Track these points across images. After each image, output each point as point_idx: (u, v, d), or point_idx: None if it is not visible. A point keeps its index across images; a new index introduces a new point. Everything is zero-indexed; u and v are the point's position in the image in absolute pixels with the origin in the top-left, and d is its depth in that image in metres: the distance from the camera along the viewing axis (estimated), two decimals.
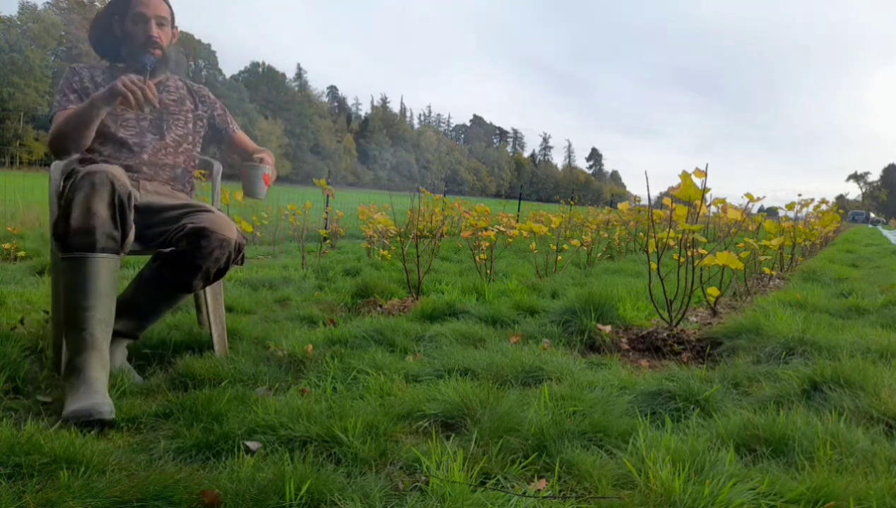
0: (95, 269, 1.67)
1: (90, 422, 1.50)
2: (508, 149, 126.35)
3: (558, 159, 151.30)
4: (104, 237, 1.68)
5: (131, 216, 1.76)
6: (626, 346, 2.61)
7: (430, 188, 9.65)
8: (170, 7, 2.19)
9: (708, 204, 3.42)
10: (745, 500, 1.20)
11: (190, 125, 2.25)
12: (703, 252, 2.95)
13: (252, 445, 1.43)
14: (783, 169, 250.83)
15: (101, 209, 1.68)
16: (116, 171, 1.74)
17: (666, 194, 2.98)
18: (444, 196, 11.08)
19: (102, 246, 1.68)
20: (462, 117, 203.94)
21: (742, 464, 1.39)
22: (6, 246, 4.66)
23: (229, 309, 2.92)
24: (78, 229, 1.66)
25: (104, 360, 1.66)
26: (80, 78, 2.12)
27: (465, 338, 2.53)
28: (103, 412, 1.50)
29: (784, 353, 2.29)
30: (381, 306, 3.30)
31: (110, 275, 1.70)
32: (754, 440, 1.50)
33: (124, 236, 1.74)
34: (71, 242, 1.67)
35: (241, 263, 1.97)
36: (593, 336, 2.62)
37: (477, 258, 4.44)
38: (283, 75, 79.69)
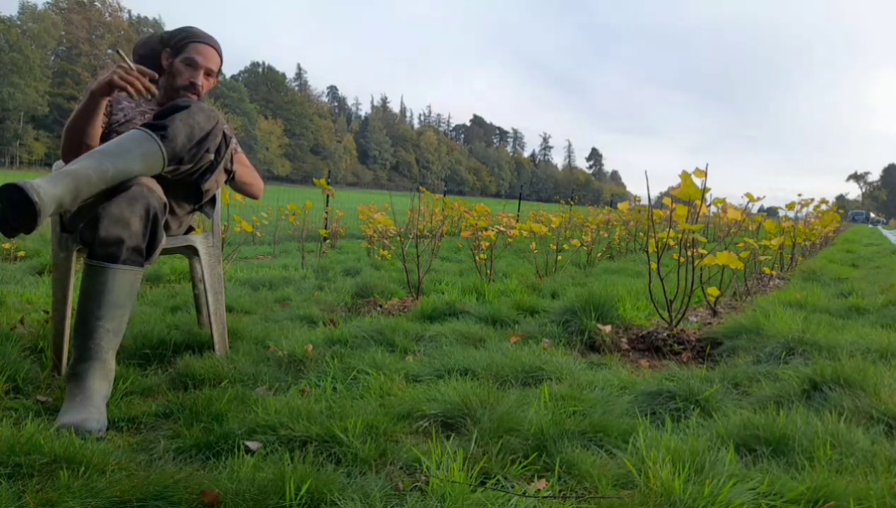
0: (114, 280, 1.65)
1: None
2: (508, 149, 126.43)
3: (558, 159, 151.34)
4: (130, 250, 1.67)
5: (162, 229, 1.75)
6: (626, 346, 2.61)
7: (430, 188, 9.65)
8: (222, 59, 2.21)
9: (708, 204, 3.42)
10: (745, 500, 1.20)
11: None
12: (703, 252, 2.95)
13: (252, 445, 1.43)
14: (783, 169, 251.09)
15: (133, 222, 1.66)
16: (152, 184, 1.75)
17: (666, 194, 2.98)
18: (444, 196, 11.08)
19: (125, 258, 1.66)
20: (462, 117, 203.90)
21: (742, 464, 1.39)
22: (6, 246, 4.65)
23: (229, 309, 2.92)
24: (104, 239, 1.63)
25: (106, 371, 1.65)
26: None
27: (465, 338, 2.53)
28: (91, 429, 1.48)
29: (784, 353, 2.29)
30: (381, 306, 3.30)
31: (129, 287, 1.68)
32: (754, 440, 1.50)
33: (152, 250, 1.73)
34: (95, 251, 1.65)
35: None
36: (593, 336, 2.61)
37: (477, 258, 4.44)
38: (283, 75, 79.82)
